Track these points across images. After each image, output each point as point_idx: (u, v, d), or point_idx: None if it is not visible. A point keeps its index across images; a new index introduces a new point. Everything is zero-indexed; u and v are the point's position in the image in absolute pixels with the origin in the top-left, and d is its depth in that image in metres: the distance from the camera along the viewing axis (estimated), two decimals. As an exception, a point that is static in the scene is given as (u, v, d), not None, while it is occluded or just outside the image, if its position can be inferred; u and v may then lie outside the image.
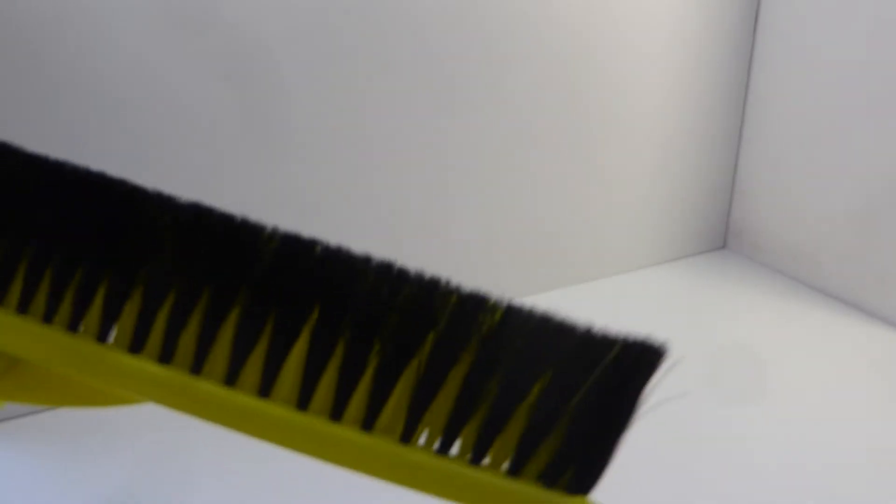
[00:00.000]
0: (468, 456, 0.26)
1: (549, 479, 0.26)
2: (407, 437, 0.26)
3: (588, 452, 0.26)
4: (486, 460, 0.26)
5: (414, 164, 0.71)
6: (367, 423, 0.26)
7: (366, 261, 0.28)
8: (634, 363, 0.26)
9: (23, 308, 0.27)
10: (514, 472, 0.26)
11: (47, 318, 0.27)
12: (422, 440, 0.27)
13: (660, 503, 0.52)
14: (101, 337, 0.27)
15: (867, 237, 0.77)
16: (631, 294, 0.85)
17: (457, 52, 0.69)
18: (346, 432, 0.26)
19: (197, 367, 0.27)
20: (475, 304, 0.27)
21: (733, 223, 0.95)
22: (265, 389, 0.26)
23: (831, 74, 0.77)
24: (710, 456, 0.57)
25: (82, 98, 0.55)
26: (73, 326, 0.27)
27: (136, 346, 0.27)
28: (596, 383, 0.25)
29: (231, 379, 0.27)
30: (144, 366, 0.27)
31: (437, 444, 0.26)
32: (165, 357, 0.27)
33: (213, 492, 0.51)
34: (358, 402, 0.26)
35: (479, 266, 0.79)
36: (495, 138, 0.74)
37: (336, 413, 0.26)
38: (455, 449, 0.26)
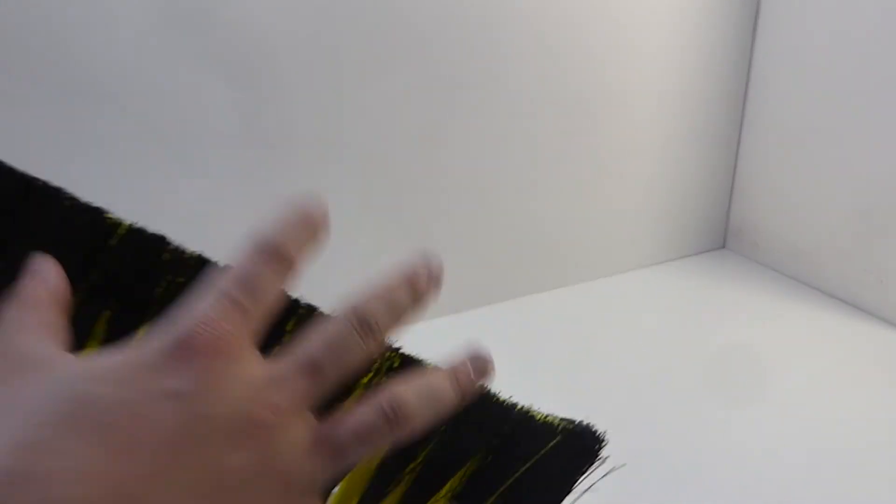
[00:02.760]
0: None
1: None
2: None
3: None
4: None
5: (413, 164, 0.71)
6: None
7: None
8: (573, 455, 0.26)
9: None
10: None
11: None
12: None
13: (661, 502, 0.52)
14: None
15: (867, 237, 0.77)
16: (631, 294, 0.85)
17: (457, 52, 0.69)
18: None
19: None
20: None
21: (733, 223, 0.95)
22: None
23: (831, 75, 0.77)
24: (711, 455, 0.57)
25: (82, 96, 0.55)
26: None
27: None
28: (530, 471, 0.25)
29: None
30: None
31: None
32: None
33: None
34: None
35: (479, 266, 0.79)
36: (495, 139, 0.74)
37: None
38: None
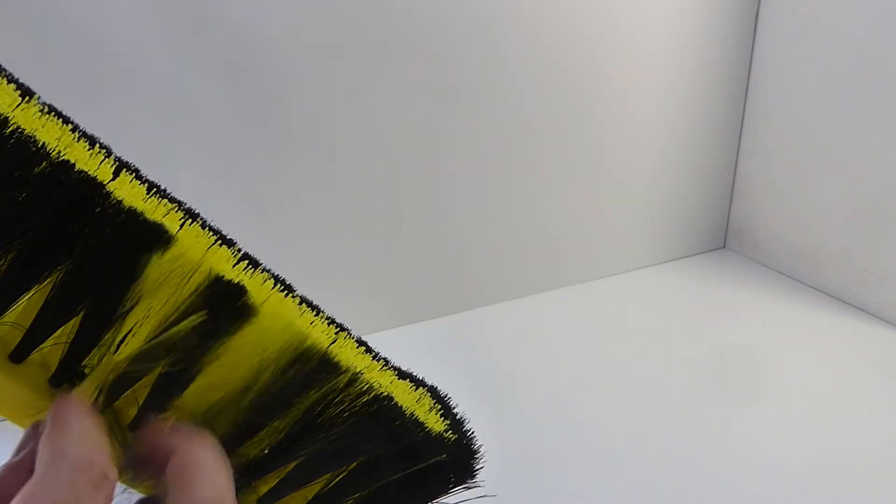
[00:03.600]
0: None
1: None
2: None
3: None
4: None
5: (414, 165, 0.71)
6: None
7: None
8: (448, 472, 0.26)
9: None
10: None
11: None
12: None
13: (661, 502, 0.52)
14: None
15: (867, 237, 0.77)
16: (631, 294, 0.85)
17: (458, 52, 0.69)
18: None
19: None
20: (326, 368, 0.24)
21: (733, 223, 0.95)
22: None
23: (831, 75, 0.77)
24: (711, 455, 0.57)
25: (82, 95, 0.55)
26: None
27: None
28: (402, 479, 0.25)
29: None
30: None
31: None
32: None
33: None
34: None
35: (478, 266, 0.79)
36: (496, 140, 0.74)
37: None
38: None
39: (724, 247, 0.97)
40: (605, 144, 0.81)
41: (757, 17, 0.85)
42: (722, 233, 0.96)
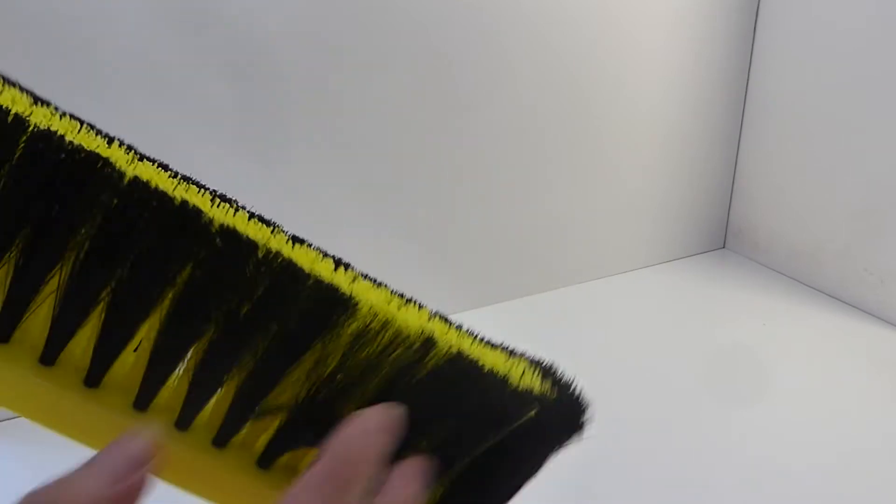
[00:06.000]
0: None
1: None
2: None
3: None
4: None
5: (414, 164, 0.71)
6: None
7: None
8: (551, 429, 0.22)
9: None
10: None
11: None
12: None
13: (660, 501, 0.52)
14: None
15: (867, 237, 0.77)
16: (631, 294, 0.85)
17: (459, 52, 0.69)
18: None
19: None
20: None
21: (733, 223, 0.95)
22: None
23: (832, 74, 0.77)
24: (711, 455, 0.57)
25: (83, 94, 0.55)
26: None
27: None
28: (499, 446, 0.22)
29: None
30: None
31: None
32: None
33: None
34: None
35: (478, 267, 0.79)
36: (496, 140, 0.74)
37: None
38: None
39: (724, 247, 0.97)
40: (606, 144, 0.81)
41: (757, 17, 0.85)
42: (722, 233, 0.96)
